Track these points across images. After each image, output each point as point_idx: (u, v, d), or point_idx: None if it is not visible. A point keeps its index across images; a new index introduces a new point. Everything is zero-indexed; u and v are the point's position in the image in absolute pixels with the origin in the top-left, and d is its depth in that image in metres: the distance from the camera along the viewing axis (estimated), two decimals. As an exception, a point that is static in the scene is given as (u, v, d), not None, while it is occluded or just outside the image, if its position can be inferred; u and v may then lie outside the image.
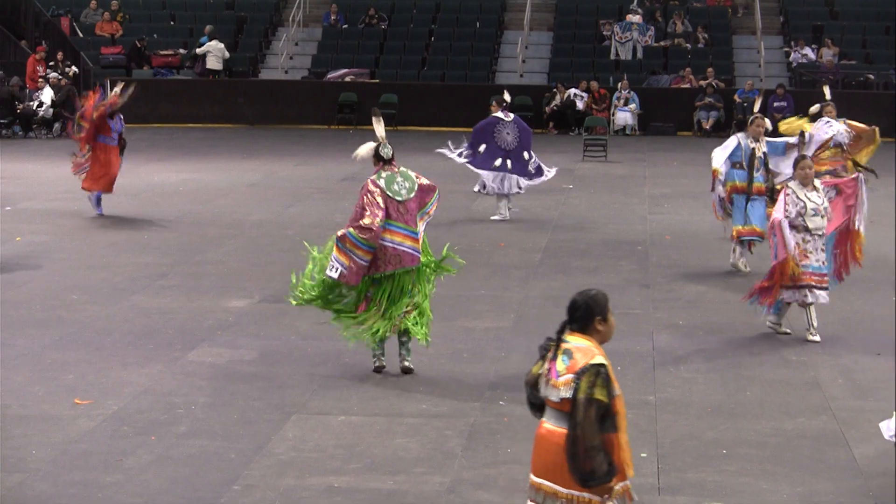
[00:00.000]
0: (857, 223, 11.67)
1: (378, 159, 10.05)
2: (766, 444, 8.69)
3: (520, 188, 18.14)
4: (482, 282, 13.89)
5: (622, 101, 31.88)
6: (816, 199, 11.39)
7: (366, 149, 10.12)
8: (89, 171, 17.88)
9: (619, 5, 35.56)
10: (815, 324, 11.48)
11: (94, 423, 8.96)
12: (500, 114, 18.14)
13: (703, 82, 32.12)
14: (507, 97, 18.54)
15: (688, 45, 34.63)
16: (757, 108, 15.06)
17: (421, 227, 10.14)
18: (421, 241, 10.14)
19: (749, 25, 35.66)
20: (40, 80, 29.83)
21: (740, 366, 10.72)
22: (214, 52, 33.43)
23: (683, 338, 11.65)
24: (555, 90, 32.14)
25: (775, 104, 30.84)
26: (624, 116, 31.85)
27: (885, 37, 34.50)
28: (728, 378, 10.34)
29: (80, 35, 35.09)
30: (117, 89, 18.00)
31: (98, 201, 18.06)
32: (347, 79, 33.22)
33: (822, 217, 11.41)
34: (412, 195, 10.03)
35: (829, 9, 36.01)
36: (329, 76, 33.51)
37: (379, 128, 10.22)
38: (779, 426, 9.11)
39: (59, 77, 29.95)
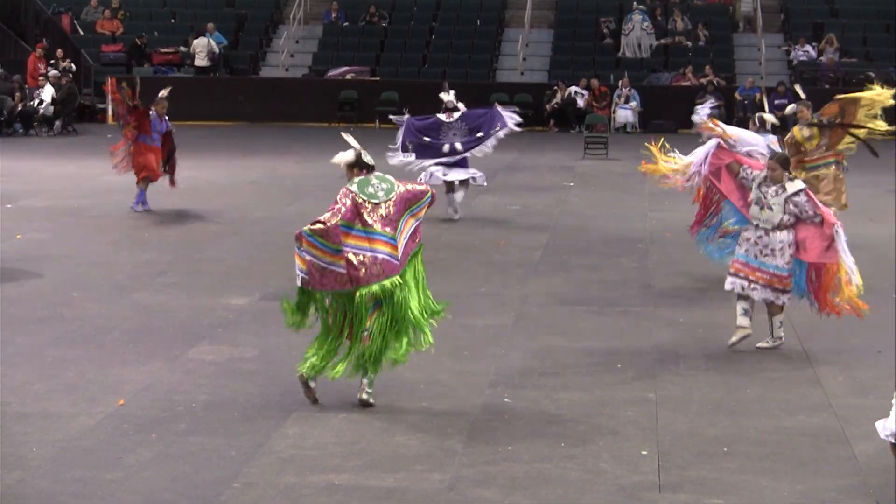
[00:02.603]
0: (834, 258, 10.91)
1: (361, 167, 9.48)
2: (767, 442, 8.69)
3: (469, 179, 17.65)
4: (482, 280, 13.88)
5: (623, 99, 31.88)
6: (771, 196, 10.95)
7: (346, 156, 9.55)
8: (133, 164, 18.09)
9: (620, 3, 35.55)
10: (775, 333, 11.13)
11: (95, 420, 8.96)
12: (441, 115, 17.95)
13: (703, 80, 32.11)
14: (444, 96, 18.11)
15: (688, 42, 34.63)
16: (766, 107, 14.61)
17: (408, 228, 9.49)
18: (401, 247, 9.38)
19: (749, 23, 35.68)
20: (41, 77, 29.84)
21: (741, 363, 10.71)
22: (199, 50, 33.43)
23: (684, 335, 11.64)
24: (555, 88, 32.14)
25: (776, 101, 30.81)
26: (625, 114, 31.85)
27: (885, 34, 34.50)
28: (728, 375, 10.33)
29: (81, 33, 35.12)
30: (164, 93, 18.20)
31: (142, 196, 18.22)
32: (348, 76, 33.24)
33: (762, 209, 10.99)
34: (391, 196, 9.43)
35: (830, 6, 36.02)
36: (330, 74, 33.53)
37: (353, 143, 9.60)
38: (779, 423, 9.10)
39: (60, 74, 29.95)
